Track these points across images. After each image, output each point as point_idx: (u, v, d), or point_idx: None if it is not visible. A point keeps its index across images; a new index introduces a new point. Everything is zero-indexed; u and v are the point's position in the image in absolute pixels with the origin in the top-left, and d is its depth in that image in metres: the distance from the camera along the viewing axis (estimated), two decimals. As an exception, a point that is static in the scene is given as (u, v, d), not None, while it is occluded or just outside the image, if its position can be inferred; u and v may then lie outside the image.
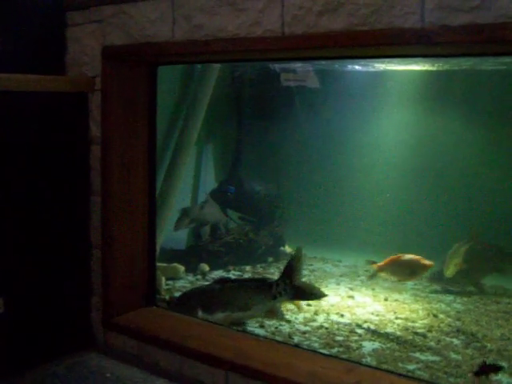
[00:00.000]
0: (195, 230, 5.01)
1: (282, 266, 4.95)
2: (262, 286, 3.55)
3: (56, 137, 3.25)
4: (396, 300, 4.17)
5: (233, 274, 4.69)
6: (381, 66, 4.77)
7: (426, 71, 4.91)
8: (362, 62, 4.56)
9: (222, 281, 3.71)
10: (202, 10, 2.80)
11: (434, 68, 4.73)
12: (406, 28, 2.24)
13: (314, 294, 3.60)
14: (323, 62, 4.77)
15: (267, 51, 2.66)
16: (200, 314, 3.49)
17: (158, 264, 3.99)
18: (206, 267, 4.59)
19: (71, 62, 3.42)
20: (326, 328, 3.60)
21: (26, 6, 3.26)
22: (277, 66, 5.06)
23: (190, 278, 4.52)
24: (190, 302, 3.57)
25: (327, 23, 2.41)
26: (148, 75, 3.40)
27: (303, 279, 3.78)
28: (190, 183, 5.17)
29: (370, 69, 4.97)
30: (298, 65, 5.02)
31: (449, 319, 3.79)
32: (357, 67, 4.94)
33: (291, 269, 3.57)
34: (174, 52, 2.96)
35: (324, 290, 4.32)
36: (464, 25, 2.10)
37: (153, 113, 3.46)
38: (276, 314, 3.55)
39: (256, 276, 3.90)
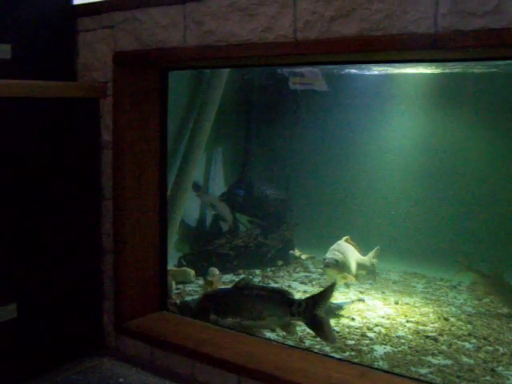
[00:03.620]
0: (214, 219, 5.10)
1: (291, 269, 4.98)
2: (281, 299, 3.38)
3: (67, 142, 3.26)
4: (407, 303, 4.16)
5: (243, 278, 4.70)
6: (376, 69, 4.83)
7: (424, 74, 4.93)
8: (363, 65, 4.60)
9: (242, 285, 3.60)
10: (213, 15, 2.81)
11: (428, 71, 4.77)
12: (418, 33, 2.24)
13: (326, 333, 3.29)
14: (329, 66, 4.79)
15: (279, 57, 2.66)
16: (212, 316, 3.49)
17: (168, 268, 4.00)
18: (215, 271, 4.59)
19: (82, 67, 3.44)
20: (337, 332, 3.60)
21: (37, 11, 3.27)
22: (285, 70, 5.06)
23: (201, 282, 4.52)
24: (204, 302, 3.57)
25: (340, 28, 2.42)
26: (159, 80, 3.41)
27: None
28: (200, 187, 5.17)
29: (366, 72, 5.01)
30: (305, 68, 5.03)
31: (460, 322, 3.78)
32: (352, 71, 4.98)
33: (322, 297, 3.35)
34: (186, 57, 2.96)
35: (334, 293, 4.37)
36: (478, 29, 2.10)
37: (164, 118, 3.47)
38: (290, 330, 3.40)
39: (278, 287, 3.78)
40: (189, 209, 4.95)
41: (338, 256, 4.11)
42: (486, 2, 2.08)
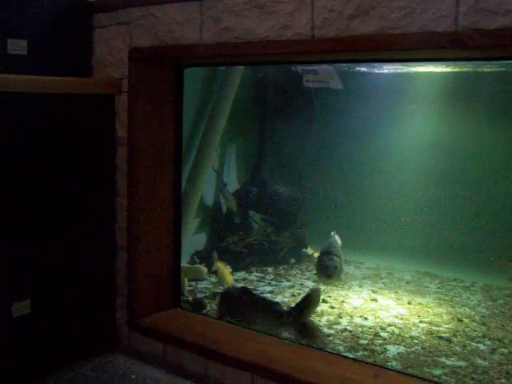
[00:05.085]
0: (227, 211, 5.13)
1: (304, 268, 4.97)
2: (272, 309, 3.45)
3: (82, 138, 3.27)
4: (420, 303, 4.14)
5: (255, 276, 4.69)
6: (386, 68, 4.80)
7: (434, 73, 4.90)
8: (376, 64, 4.57)
9: (245, 290, 3.67)
10: (230, 12, 2.79)
11: (438, 70, 4.73)
12: (438, 32, 2.22)
13: (315, 337, 3.34)
14: (343, 64, 4.77)
15: (297, 54, 2.64)
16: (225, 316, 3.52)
17: (181, 265, 3.99)
18: (228, 268, 4.59)
19: (97, 63, 3.43)
20: (350, 331, 3.58)
21: (53, 8, 3.27)
22: (299, 68, 5.04)
23: (213, 279, 4.52)
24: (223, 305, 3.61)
25: (358, 26, 2.40)
26: (174, 77, 3.41)
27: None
28: (213, 184, 5.16)
29: (376, 70, 4.98)
30: (319, 66, 5.00)
31: (474, 324, 3.75)
32: (362, 69, 4.95)
33: (305, 304, 3.42)
34: (202, 54, 2.95)
35: (347, 292, 4.35)
36: (500, 28, 2.07)
37: (179, 114, 3.47)
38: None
39: (273, 299, 3.83)
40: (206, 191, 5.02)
41: (337, 261, 4.02)
42: (508, 0, 2.05)
